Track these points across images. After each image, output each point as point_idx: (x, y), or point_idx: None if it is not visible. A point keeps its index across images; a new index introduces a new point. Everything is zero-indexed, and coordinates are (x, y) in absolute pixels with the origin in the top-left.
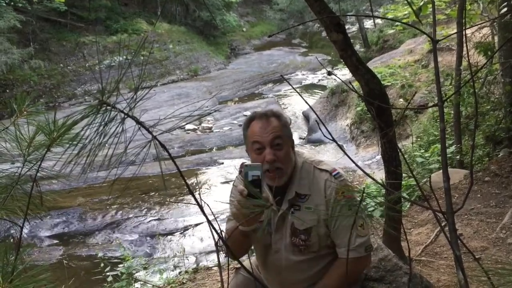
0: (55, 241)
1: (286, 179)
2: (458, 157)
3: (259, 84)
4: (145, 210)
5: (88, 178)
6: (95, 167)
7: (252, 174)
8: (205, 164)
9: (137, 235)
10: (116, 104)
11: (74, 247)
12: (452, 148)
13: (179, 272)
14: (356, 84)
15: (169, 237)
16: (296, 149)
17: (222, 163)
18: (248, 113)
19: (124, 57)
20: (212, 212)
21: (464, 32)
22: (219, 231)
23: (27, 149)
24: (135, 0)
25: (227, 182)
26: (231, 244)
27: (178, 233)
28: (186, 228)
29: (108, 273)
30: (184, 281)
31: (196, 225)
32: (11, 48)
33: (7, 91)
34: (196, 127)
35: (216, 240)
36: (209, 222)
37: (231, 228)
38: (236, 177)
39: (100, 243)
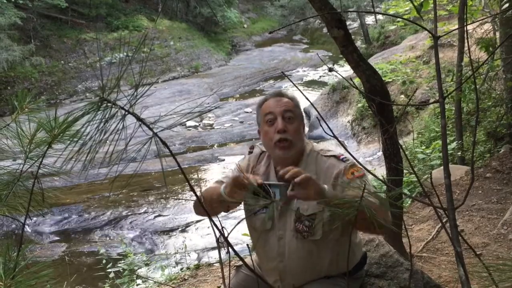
0: (57, 238)
1: (294, 155)
2: (459, 153)
3: (260, 81)
4: (147, 206)
5: (89, 175)
6: (96, 164)
7: (274, 191)
8: (206, 161)
9: (138, 231)
10: (117, 101)
11: (76, 244)
12: (453, 145)
13: (181, 269)
14: (357, 81)
15: (170, 233)
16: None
17: (223, 160)
18: (249, 109)
19: (125, 53)
20: (211, 188)
21: (465, 28)
22: (220, 228)
23: (29, 146)
24: None
25: None
26: (205, 201)
27: (180, 229)
28: (187, 225)
29: (110, 270)
30: (186, 278)
31: (198, 221)
32: (12, 45)
33: (8, 88)
34: (197, 124)
35: (218, 237)
36: (210, 218)
37: (212, 188)
38: (238, 162)
39: (101, 239)
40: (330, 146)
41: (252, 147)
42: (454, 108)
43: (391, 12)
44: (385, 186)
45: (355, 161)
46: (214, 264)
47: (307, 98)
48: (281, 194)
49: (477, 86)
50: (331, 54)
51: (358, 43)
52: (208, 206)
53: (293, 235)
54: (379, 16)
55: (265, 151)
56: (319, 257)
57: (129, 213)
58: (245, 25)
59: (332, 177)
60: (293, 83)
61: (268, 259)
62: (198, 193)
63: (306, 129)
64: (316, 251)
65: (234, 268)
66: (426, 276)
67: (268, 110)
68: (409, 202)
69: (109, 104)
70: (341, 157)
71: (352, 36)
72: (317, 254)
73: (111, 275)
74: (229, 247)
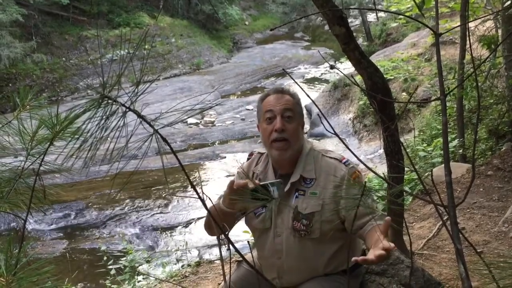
0: (58, 235)
1: (291, 155)
2: (460, 151)
3: (262, 78)
4: (147, 204)
5: (90, 172)
6: (97, 161)
7: (272, 188)
8: (208, 158)
9: (139, 228)
10: (118, 98)
11: (77, 241)
12: (455, 142)
13: (182, 266)
14: (358, 78)
15: (171, 230)
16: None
17: (225, 157)
18: (250, 107)
19: (126, 51)
20: (214, 206)
21: (467, 25)
22: (221, 225)
23: (30, 143)
24: None
25: (229, 176)
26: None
27: (181, 226)
28: (188, 222)
29: (111, 266)
30: (187, 274)
31: (199, 218)
32: (13, 42)
33: (10, 85)
34: (198, 121)
35: (218, 234)
36: (211, 215)
37: (213, 206)
38: (241, 165)
39: (102, 236)
40: (331, 147)
41: (251, 154)
42: (455, 106)
43: (393, 9)
44: (386, 184)
45: (355, 162)
46: (215, 261)
47: (308, 96)
48: (278, 191)
49: (479, 84)
50: (332, 52)
51: (360, 41)
52: (220, 222)
53: (291, 233)
54: (381, 14)
55: (263, 153)
56: (317, 256)
57: (130, 210)
58: (247, 22)
59: (339, 178)
60: (294, 81)
61: (266, 257)
62: (203, 197)
63: (307, 126)
64: (314, 249)
65: (235, 263)
66: (426, 274)
67: (268, 108)
68: (410, 200)
69: (110, 101)
70: (343, 160)
71: (354, 34)
72: (315, 252)
73: (112, 271)
74: (230, 244)
